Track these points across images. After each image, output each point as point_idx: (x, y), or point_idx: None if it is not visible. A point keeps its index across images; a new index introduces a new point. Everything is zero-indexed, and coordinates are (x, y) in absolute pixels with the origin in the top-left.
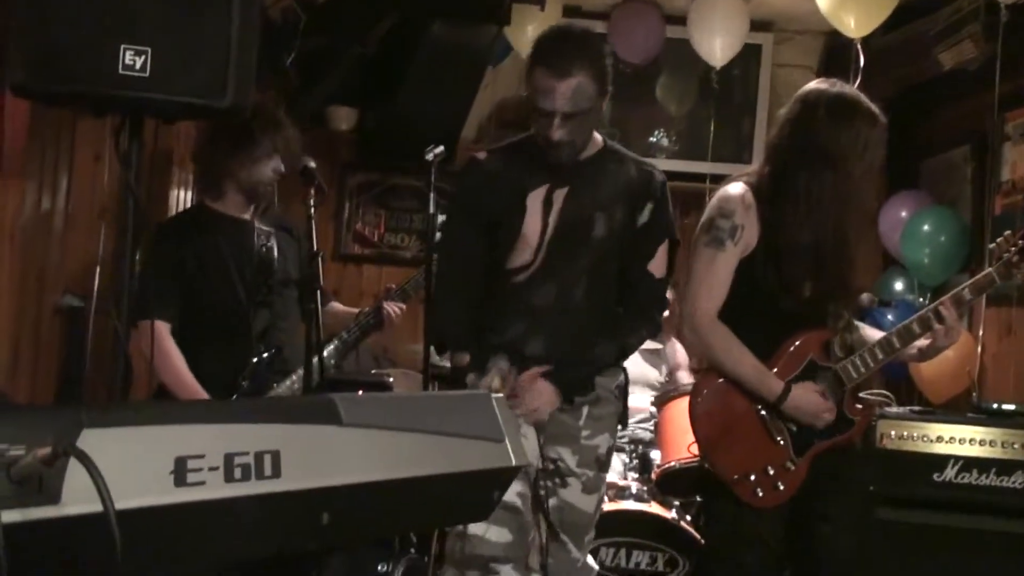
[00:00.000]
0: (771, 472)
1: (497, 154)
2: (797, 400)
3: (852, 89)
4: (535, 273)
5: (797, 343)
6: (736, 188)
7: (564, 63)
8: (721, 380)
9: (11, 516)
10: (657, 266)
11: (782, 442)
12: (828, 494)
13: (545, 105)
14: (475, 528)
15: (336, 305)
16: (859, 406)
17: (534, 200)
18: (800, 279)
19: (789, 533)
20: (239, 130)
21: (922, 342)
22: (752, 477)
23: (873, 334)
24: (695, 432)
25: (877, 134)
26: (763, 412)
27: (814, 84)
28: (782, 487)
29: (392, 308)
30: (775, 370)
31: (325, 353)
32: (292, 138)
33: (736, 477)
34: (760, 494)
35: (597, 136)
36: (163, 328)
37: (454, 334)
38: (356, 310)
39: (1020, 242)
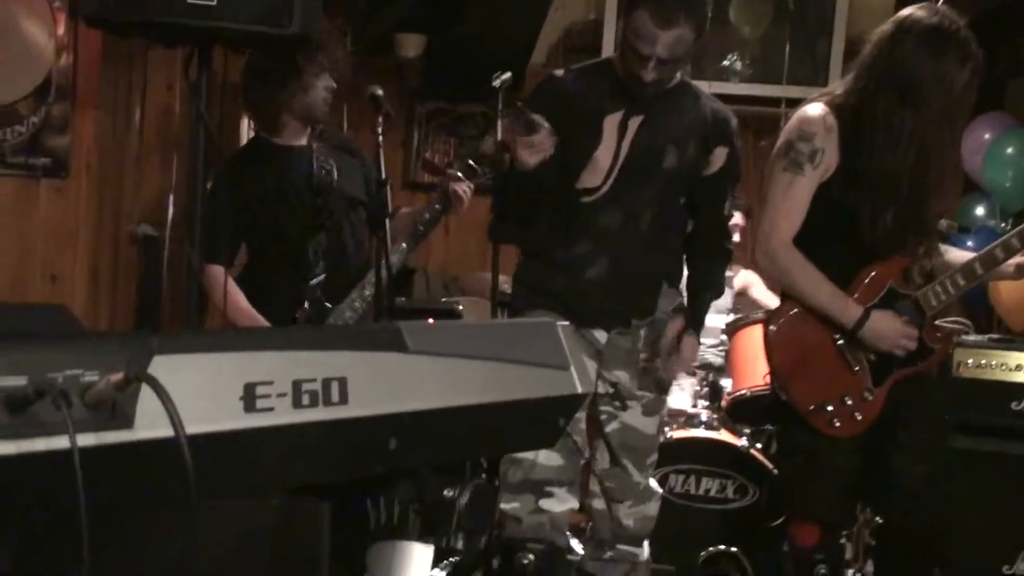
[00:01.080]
0: (848, 402)
1: (575, 74)
2: (877, 326)
3: (953, 19)
4: (603, 197)
5: (876, 270)
6: (816, 109)
7: (669, 12)
8: (797, 309)
9: (85, 440)
10: (728, 207)
11: (860, 371)
12: (904, 422)
13: (644, 49)
14: (526, 452)
15: (402, 211)
16: (939, 334)
17: (610, 124)
18: (879, 207)
19: (864, 461)
20: (282, 60)
21: (1019, 258)
22: (829, 407)
23: (957, 258)
24: (770, 361)
25: (967, 73)
26: (840, 341)
27: (915, 8)
28: (859, 417)
29: (459, 187)
30: (854, 297)
31: (397, 255)
32: (335, 50)
33: (812, 407)
34: (837, 424)
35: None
36: (219, 271)
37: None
38: (421, 205)
39: None
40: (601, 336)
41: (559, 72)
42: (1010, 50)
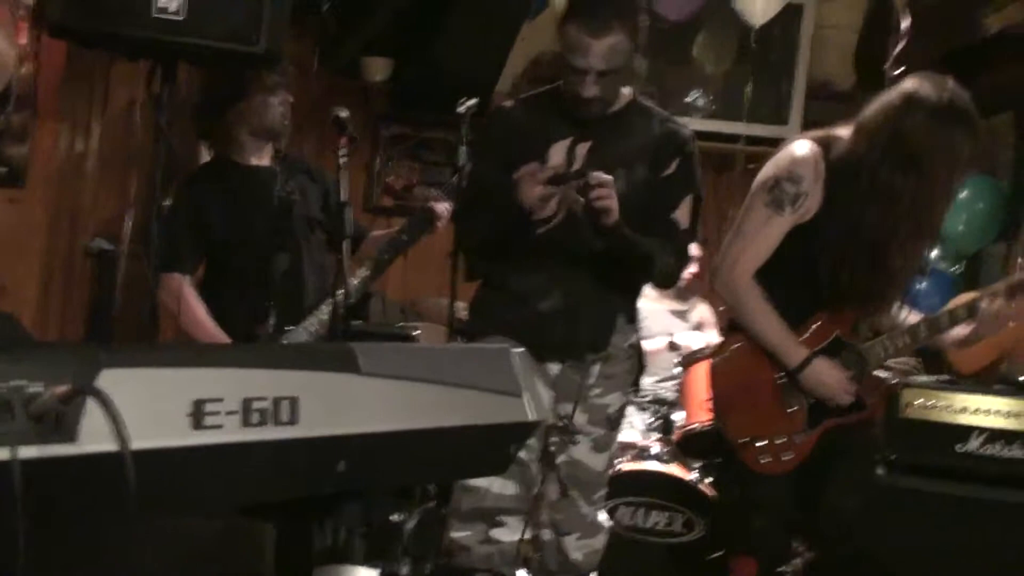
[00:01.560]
0: (779, 441)
1: (523, 104)
2: (818, 373)
3: (961, 94)
4: (556, 227)
5: (826, 317)
6: (810, 151)
7: (600, 21)
8: (743, 343)
9: (28, 452)
10: (682, 216)
11: (795, 412)
12: (837, 455)
13: (579, 63)
14: (480, 480)
15: (376, 233)
16: (877, 390)
17: (556, 151)
18: (844, 263)
19: (798, 496)
20: (234, 77)
21: (961, 331)
22: (759, 443)
23: (905, 316)
24: (712, 388)
25: (973, 143)
26: (781, 380)
27: (922, 81)
28: (786, 457)
29: (440, 204)
30: (800, 336)
31: (358, 280)
32: (284, 66)
33: (744, 440)
34: (764, 461)
35: (625, 90)
36: (180, 280)
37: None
38: (397, 228)
39: None
40: (554, 368)
41: (508, 103)
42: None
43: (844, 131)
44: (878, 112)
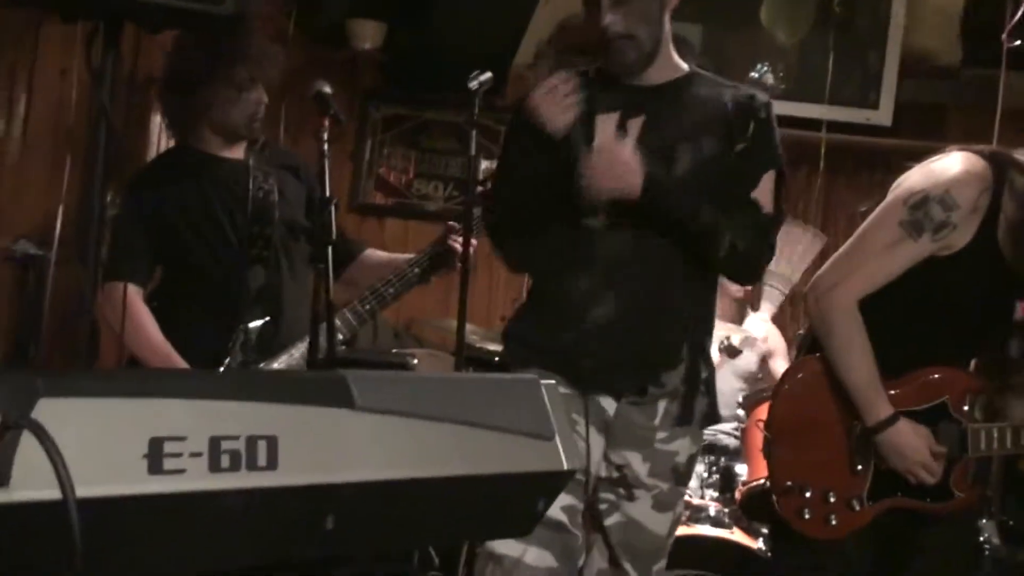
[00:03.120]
0: (831, 500)
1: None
2: (899, 438)
3: None
4: (602, 209)
5: (939, 374)
6: (976, 170)
7: None
8: (823, 371)
9: None
10: (763, 196)
11: (860, 473)
12: (921, 523)
13: None
14: (510, 549)
15: (374, 255)
16: (971, 479)
17: (604, 125)
18: (1004, 315)
19: (876, 562)
20: (188, 73)
21: None
22: (807, 495)
23: None
24: (770, 412)
25: None
26: (857, 429)
27: None
28: (834, 523)
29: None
30: (894, 392)
31: (362, 309)
32: (264, 60)
33: (788, 484)
34: (806, 517)
35: (681, 62)
36: (133, 292)
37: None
38: (408, 255)
39: None
40: (609, 406)
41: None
42: None
43: (1018, 151)
44: None
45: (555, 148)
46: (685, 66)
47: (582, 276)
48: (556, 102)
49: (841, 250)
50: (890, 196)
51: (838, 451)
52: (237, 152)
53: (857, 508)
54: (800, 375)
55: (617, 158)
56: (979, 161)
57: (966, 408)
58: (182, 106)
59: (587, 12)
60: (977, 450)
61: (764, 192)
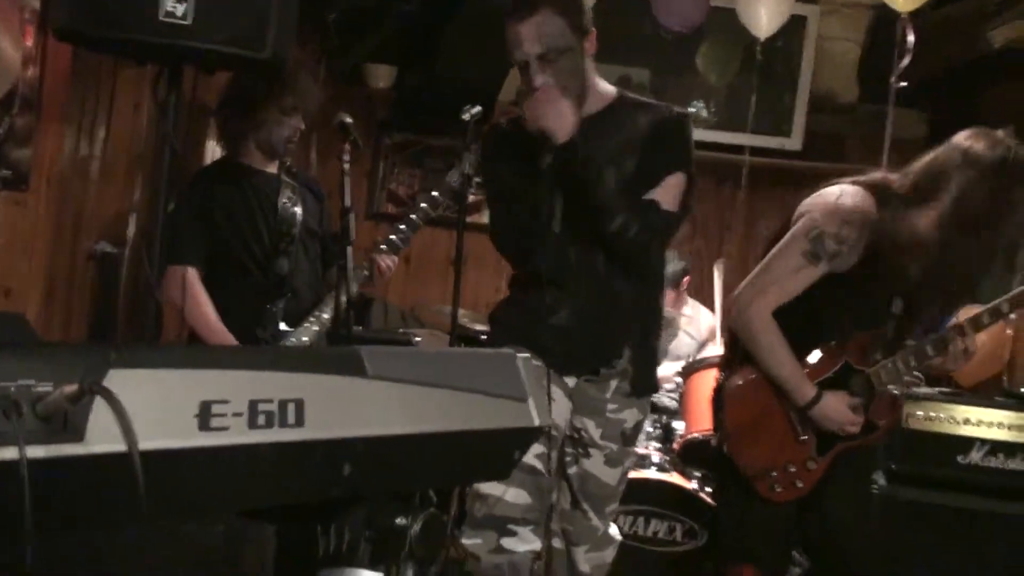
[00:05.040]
0: (791, 469)
1: (514, 120)
2: (826, 409)
3: (1019, 152)
4: (557, 239)
5: (836, 342)
6: (861, 205)
7: (522, 4)
8: (755, 375)
9: (35, 452)
10: (663, 195)
11: (806, 440)
12: (835, 471)
13: (518, 56)
14: (493, 489)
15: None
16: (887, 408)
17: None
18: (876, 315)
19: (799, 510)
20: (250, 95)
21: (965, 343)
22: (773, 473)
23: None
24: (724, 421)
25: None
26: (792, 410)
27: (981, 138)
28: (800, 484)
29: (384, 260)
30: (808, 370)
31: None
32: (307, 94)
33: (758, 471)
34: (778, 490)
35: (608, 88)
36: (193, 274)
37: None
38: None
39: None
40: (571, 381)
41: (501, 120)
42: (971, 110)
43: (899, 185)
44: (933, 167)
45: (513, 190)
46: (613, 91)
47: (541, 288)
48: (555, 112)
49: (756, 270)
50: (794, 227)
51: (784, 431)
52: (272, 168)
53: (813, 467)
54: (738, 382)
55: (556, 105)
56: (866, 197)
57: (864, 358)
58: (238, 123)
59: (521, 76)
60: (881, 385)
61: (666, 190)
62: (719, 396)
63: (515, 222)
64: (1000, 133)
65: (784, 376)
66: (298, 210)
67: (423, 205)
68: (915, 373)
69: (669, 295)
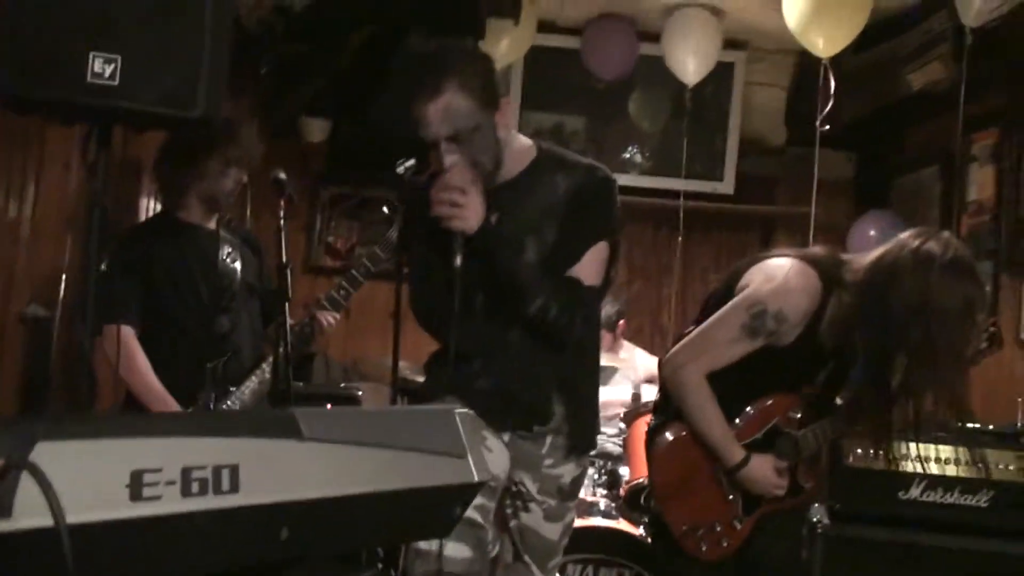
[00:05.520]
0: (718, 528)
1: (434, 179)
2: (753, 472)
3: (966, 251)
4: (477, 311)
5: (767, 403)
6: (807, 289)
7: (427, 86)
8: (685, 432)
9: None
10: (584, 270)
11: (733, 499)
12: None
13: (427, 135)
14: (432, 545)
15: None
16: (813, 473)
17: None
18: (811, 378)
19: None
20: (193, 146)
21: None
22: (699, 531)
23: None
24: (651, 478)
25: (983, 300)
26: (720, 471)
27: (923, 238)
28: (726, 544)
29: (326, 317)
30: (738, 425)
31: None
32: (249, 146)
33: (685, 529)
34: (704, 548)
35: (526, 143)
36: (128, 332)
37: None
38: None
39: (992, 329)
40: (505, 435)
41: (423, 178)
42: (894, 151)
43: (851, 274)
44: (883, 264)
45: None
46: (531, 147)
47: (462, 356)
48: (459, 212)
49: (694, 334)
50: (738, 296)
51: (712, 489)
52: (211, 223)
53: (739, 527)
54: (665, 442)
55: (459, 202)
56: (813, 278)
57: (792, 419)
58: (179, 174)
59: (431, 153)
60: (808, 450)
61: (587, 265)
62: (649, 450)
63: (428, 299)
64: (943, 233)
65: (714, 438)
66: (238, 266)
67: (364, 261)
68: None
69: (605, 338)
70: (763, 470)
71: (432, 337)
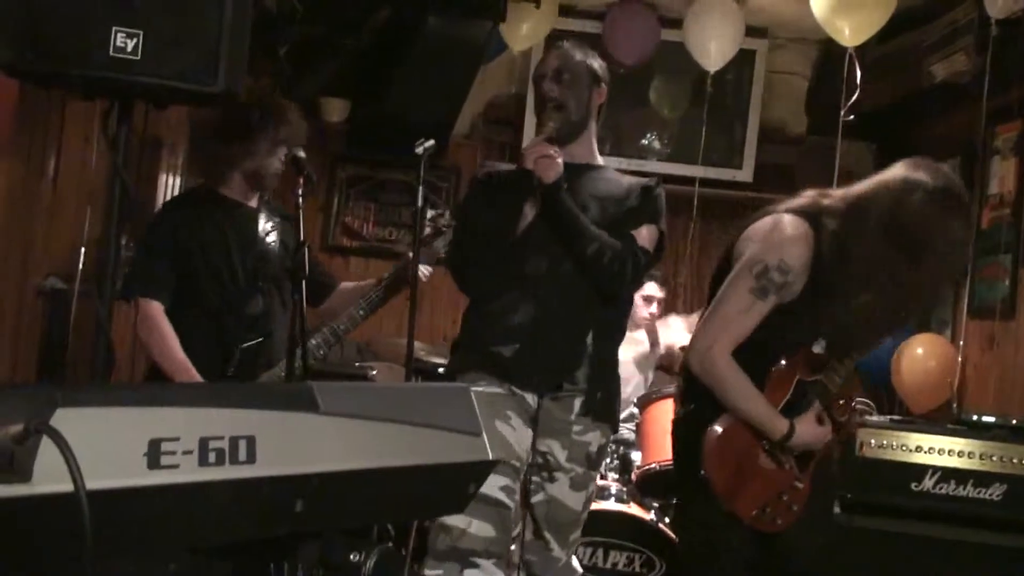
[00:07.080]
0: (784, 498)
1: (499, 175)
2: (802, 436)
3: (957, 182)
4: (529, 244)
5: (783, 364)
6: (801, 235)
7: (555, 47)
8: (720, 429)
9: None
10: (640, 237)
11: (789, 466)
12: None
13: (538, 74)
14: (457, 521)
15: (346, 286)
16: (843, 405)
17: (531, 205)
18: (813, 339)
19: (759, 537)
20: (245, 123)
21: None
22: (768, 509)
23: None
24: (709, 475)
25: (968, 232)
26: (766, 443)
27: (915, 168)
28: (795, 507)
29: (424, 269)
30: (769, 393)
31: (341, 326)
32: (298, 126)
33: (755, 513)
34: (779, 521)
35: (599, 157)
36: (158, 308)
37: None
38: (370, 280)
39: (857, 405)
40: (533, 401)
41: (482, 173)
42: (915, 141)
43: (833, 202)
44: (872, 193)
45: (506, 203)
46: (601, 161)
47: (508, 292)
48: (548, 161)
49: (708, 315)
50: (739, 264)
51: (768, 465)
52: (252, 201)
53: (800, 486)
54: (710, 446)
55: (547, 155)
56: (799, 222)
57: (809, 369)
58: (226, 151)
59: (536, 92)
60: (835, 385)
61: (642, 235)
62: (691, 444)
63: (471, 252)
64: (938, 164)
65: (758, 415)
66: (277, 246)
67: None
68: (866, 401)
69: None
70: (809, 429)
71: (462, 289)
